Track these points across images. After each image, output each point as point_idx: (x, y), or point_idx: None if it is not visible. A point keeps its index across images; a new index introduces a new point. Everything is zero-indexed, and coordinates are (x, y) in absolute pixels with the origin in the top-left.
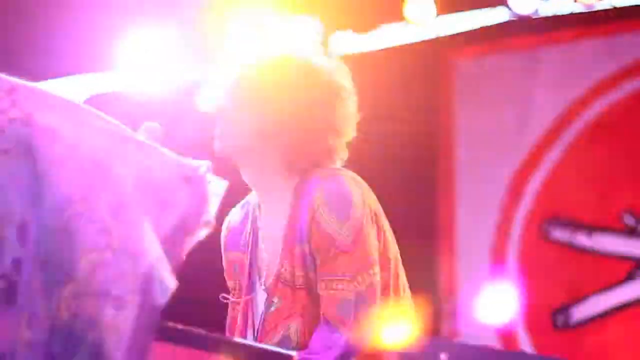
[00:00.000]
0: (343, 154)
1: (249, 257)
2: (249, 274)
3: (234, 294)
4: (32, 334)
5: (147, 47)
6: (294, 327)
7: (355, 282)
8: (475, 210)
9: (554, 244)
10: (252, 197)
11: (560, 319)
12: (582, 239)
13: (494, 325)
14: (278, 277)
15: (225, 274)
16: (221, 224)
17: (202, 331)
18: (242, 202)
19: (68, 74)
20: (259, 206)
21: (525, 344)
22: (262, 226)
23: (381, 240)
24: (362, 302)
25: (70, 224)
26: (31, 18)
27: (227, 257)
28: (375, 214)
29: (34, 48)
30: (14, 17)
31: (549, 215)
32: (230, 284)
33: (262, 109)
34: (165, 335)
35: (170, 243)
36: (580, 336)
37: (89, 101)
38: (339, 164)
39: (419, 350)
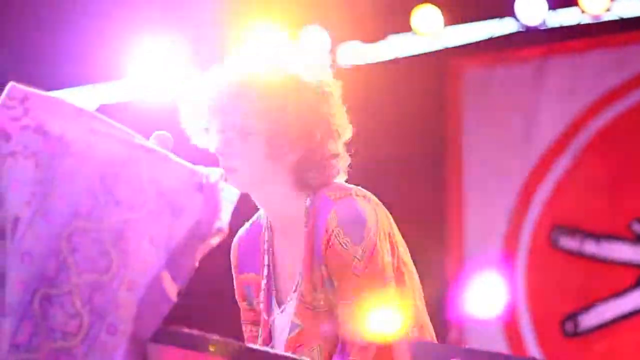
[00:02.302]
0: (345, 161)
1: (266, 280)
2: (267, 297)
3: (246, 316)
4: (9, 321)
5: (157, 56)
6: (317, 349)
7: (370, 303)
8: (484, 220)
9: (563, 252)
10: (262, 217)
11: (569, 327)
12: (591, 247)
13: (503, 332)
14: (300, 300)
15: (236, 295)
16: (233, 232)
17: (216, 336)
18: (251, 220)
19: (78, 83)
20: (270, 227)
21: (534, 351)
22: (278, 249)
23: (395, 255)
24: (378, 321)
25: (73, 237)
26: (42, 27)
27: (239, 279)
28: (388, 231)
29: (44, 57)
30: (25, 27)
31: (557, 224)
32: (242, 305)
33: (265, 131)
34: (181, 341)
35: (182, 250)
36: (589, 344)
37: (99, 110)
38: (343, 174)
39: (430, 356)
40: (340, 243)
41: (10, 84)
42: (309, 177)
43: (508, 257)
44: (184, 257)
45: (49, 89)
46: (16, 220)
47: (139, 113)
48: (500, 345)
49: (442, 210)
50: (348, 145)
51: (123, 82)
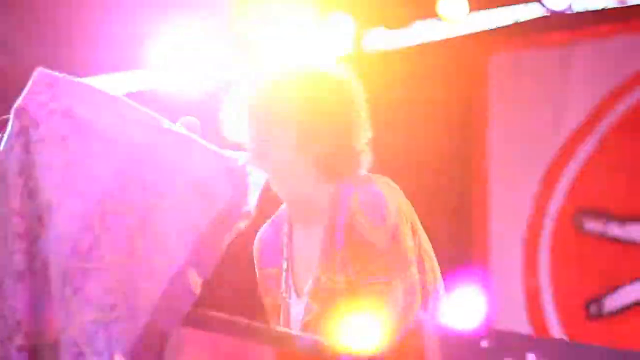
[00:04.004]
0: (368, 156)
1: (284, 272)
2: (286, 288)
3: (270, 312)
4: (53, 311)
5: (181, 44)
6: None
7: (393, 284)
8: (509, 203)
9: (587, 235)
10: (281, 212)
11: (593, 309)
12: (615, 230)
13: (527, 315)
14: (315, 284)
15: (261, 291)
16: (260, 215)
17: (244, 320)
18: (272, 218)
19: (105, 71)
20: (290, 222)
21: (558, 334)
22: (297, 241)
23: (417, 243)
24: (399, 304)
25: (106, 217)
26: (70, 16)
27: (262, 274)
28: (410, 219)
29: (71, 46)
30: (53, 15)
31: (581, 207)
32: (267, 300)
33: (296, 123)
34: (207, 324)
35: (209, 239)
36: (614, 326)
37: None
38: (364, 168)
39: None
40: (362, 225)
41: (38, 69)
42: (335, 167)
43: (532, 239)
44: (210, 247)
45: (75, 76)
46: (49, 206)
47: (163, 101)
48: (524, 328)
49: (467, 195)
50: (373, 131)
51: (148, 71)
